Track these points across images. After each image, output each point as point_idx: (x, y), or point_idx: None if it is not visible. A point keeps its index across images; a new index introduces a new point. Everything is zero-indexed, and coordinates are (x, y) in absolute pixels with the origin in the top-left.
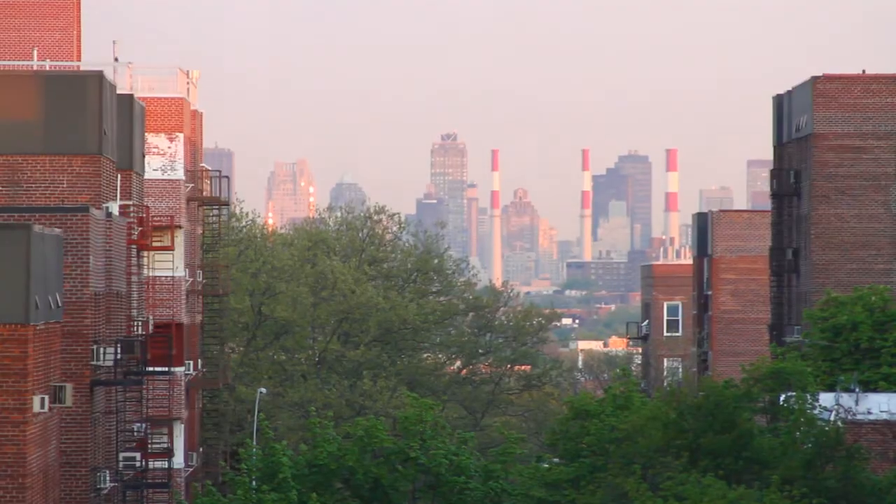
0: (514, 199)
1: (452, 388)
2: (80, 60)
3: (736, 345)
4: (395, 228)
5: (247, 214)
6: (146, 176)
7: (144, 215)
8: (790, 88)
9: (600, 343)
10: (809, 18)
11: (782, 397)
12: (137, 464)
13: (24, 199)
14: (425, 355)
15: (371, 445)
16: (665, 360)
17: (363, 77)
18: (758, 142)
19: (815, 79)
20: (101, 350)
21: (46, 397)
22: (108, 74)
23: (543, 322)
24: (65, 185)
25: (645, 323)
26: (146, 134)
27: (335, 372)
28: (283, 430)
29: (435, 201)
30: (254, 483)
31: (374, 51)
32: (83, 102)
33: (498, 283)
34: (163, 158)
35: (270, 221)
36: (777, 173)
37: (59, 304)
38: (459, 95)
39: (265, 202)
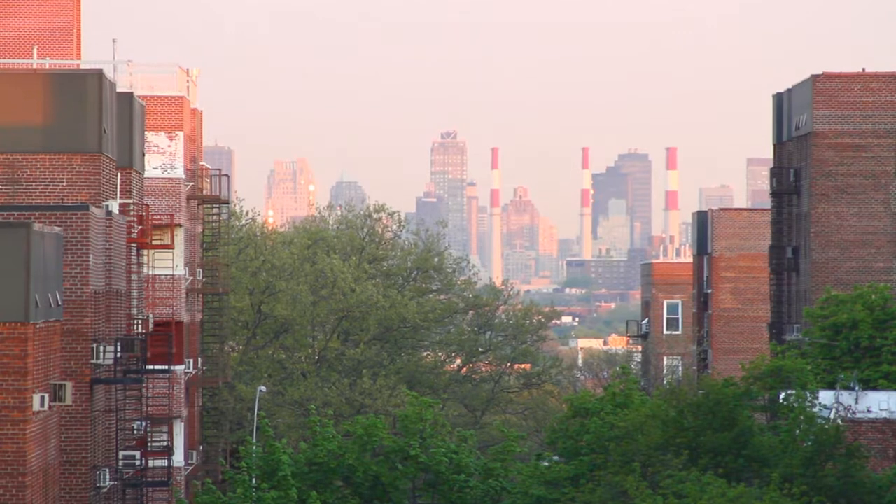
0: (514, 198)
1: (452, 387)
2: (79, 59)
3: (736, 343)
4: (395, 227)
5: (246, 213)
6: (146, 174)
7: (144, 214)
8: (790, 87)
9: (600, 341)
10: (809, 16)
11: (782, 395)
12: (137, 462)
13: (24, 198)
14: (425, 353)
15: (371, 444)
16: (665, 358)
17: (363, 75)
18: (758, 140)
19: (814, 77)
20: (101, 348)
21: (46, 395)
22: (108, 73)
23: (543, 320)
24: (65, 184)
25: (645, 321)
26: (146, 132)
27: (335, 370)
28: (282, 428)
29: (435, 200)
30: (254, 481)
31: (373, 49)
32: (83, 101)
33: (498, 282)
34: (163, 157)
35: (270, 220)
36: (777, 171)
37: (59, 303)
38: (459, 93)
39: (265, 200)
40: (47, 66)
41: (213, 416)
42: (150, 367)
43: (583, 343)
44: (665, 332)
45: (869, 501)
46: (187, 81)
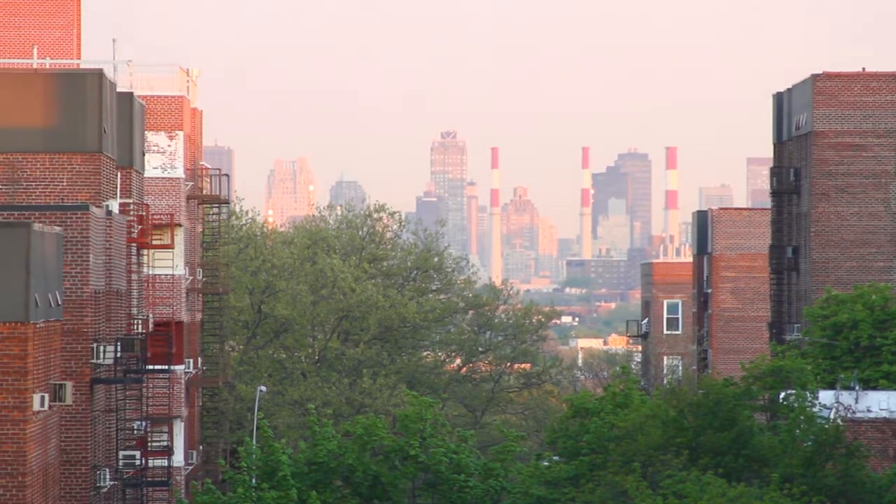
0: (513, 197)
1: (452, 386)
2: (80, 59)
3: (736, 343)
4: (395, 227)
5: (246, 213)
6: (146, 174)
7: (144, 213)
8: (790, 86)
9: (600, 341)
10: (810, 16)
11: (782, 395)
12: (137, 462)
13: (24, 198)
14: (425, 353)
15: (371, 443)
16: (665, 358)
17: (363, 75)
18: (758, 139)
19: (815, 76)
20: (101, 348)
21: (46, 395)
22: (108, 72)
23: (543, 320)
24: (65, 184)
25: (645, 321)
26: (146, 132)
27: (335, 370)
28: (282, 428)
29: (435, 199)
30: (253, 481)
31: (373, 48)
32: (83, 100)
33: (498, 281)
34: (163, 156)
35: (270, 219)
36: (777, 171)
37: (59, 303)
38: (459, 93)
39: (265, 200)
40: (47, 66)
41: (212, 415)
42: (150, 366)
43: (583, 343)
44: (665, 331)
45: (869, 501)
46: (187, 81)
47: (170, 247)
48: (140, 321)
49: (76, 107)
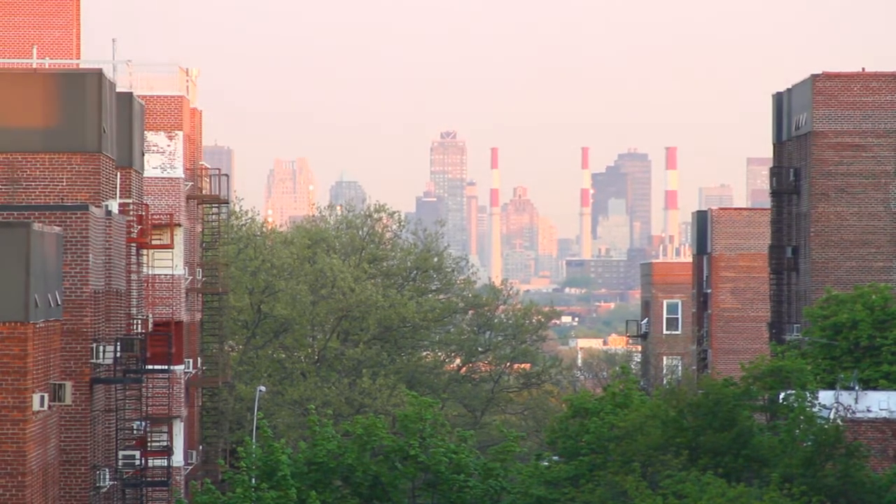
0: (513, 197)
1: (452, 386)
2: (79, 58)
3: (735, 343)
4: (394, 227)
5: (246, 213)
6: (145, 174)
7: (144, 213)
8: (790, 86)
9: (600, 341)
10: (809, 16)
11: (782, 395)
12: (137, 462)
13: (24, 198)
14: (425, 353)
15: (370, 443)
16: (664, 358)
17: (363, 75)
18: (757, 140)
19: (814, 76)
20: (101, 348)
21: (46, 395)
22: (108, 72)
23: (543, 320)
24: (64, 183)
25: (644, 321)
26: (145, 132)
27: (334, 370)
28: (282, 428)
29: (434, 199)
30: (253, 481)
31: (373, 48)
32: (83, 100)
33: (497, 281)
34: (162, 156)
35: (270, 219)
36: (777, 171)
37: (59, 303)
38: (459, 93)
39: (264, 200)
40: (47, 66)
41: (212, 415)
42: (150, 366)
43: (582, 343)
44: (665, 331)
45: (869, 501)
46: (187, 81)
47: (169, 247)
48: (140, 321)
49: (76, 107)
